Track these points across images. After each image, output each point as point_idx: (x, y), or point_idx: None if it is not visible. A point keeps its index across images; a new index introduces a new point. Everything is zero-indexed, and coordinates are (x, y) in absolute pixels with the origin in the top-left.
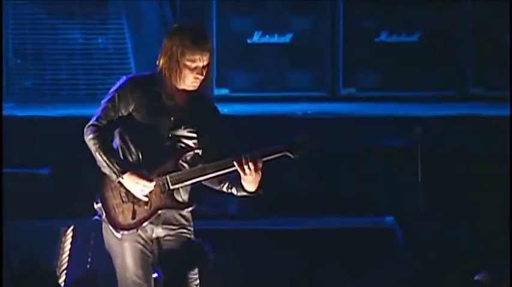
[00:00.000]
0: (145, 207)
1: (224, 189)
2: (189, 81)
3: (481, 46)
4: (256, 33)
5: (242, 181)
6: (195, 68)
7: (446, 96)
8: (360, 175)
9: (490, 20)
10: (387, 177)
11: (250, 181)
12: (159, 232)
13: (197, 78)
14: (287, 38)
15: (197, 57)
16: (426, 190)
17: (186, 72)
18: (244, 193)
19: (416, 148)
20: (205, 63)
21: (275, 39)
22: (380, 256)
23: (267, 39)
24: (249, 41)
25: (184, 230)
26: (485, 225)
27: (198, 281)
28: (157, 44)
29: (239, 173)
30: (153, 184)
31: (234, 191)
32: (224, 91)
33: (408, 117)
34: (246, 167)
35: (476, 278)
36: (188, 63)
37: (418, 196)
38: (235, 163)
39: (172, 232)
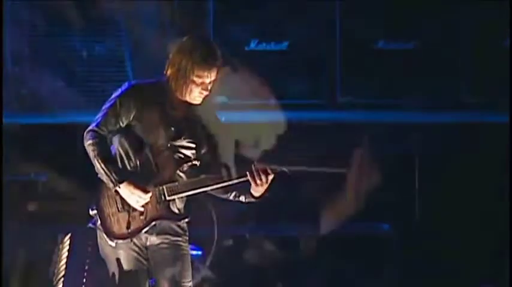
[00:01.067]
0: (141, 217)
1: (231, 197)
2: (194, 96)
3: (479, 54)
4: (253, 40)
5: (252, 189)
6: (202, 83)
7: (444, 103)
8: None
9: (489, 29)
10: (384, 184)
11: (260, 191)
12: (154, 239)
13: (202, 93)
14: (284, 46)
15: (205, 73)
16: (423, 197)
17: (193, 87)
18: (252, 199)
19: (413, 155)
20: (212, 79)
21: (272, 46)
22: (376, 263)
23: (263, 46)
24: (246, 48)
25: (179, 238)
26: (483, 232)
27: None
28: (154, 51)
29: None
30: (149, 195)
31: (242, 198)
32: (222, 99)
33: (406, 125)
34: (257, 179)
35: None
36: (195, 78)
37: (415, 203)
38: (248, 175)
39: (166, 240)
